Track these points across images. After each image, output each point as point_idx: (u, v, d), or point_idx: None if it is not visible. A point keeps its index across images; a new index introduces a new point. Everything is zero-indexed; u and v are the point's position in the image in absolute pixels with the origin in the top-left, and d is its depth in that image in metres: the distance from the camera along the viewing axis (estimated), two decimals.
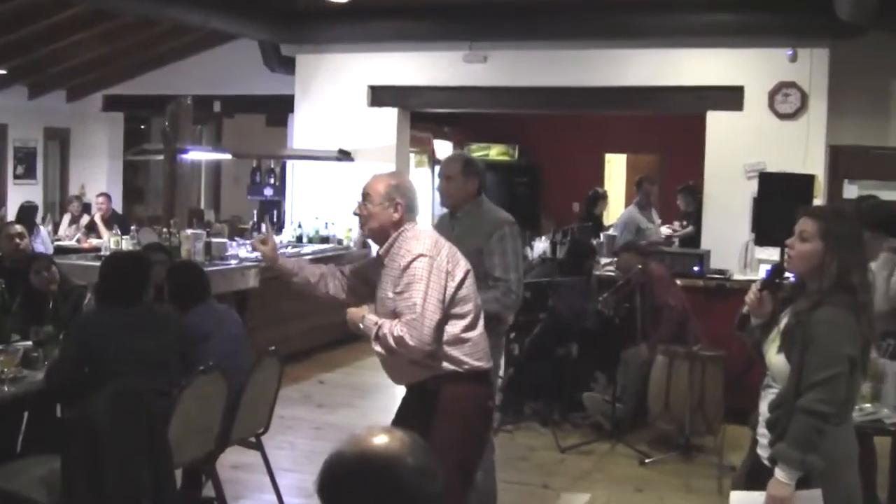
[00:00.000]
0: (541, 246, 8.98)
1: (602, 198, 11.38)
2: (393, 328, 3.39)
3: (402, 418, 3.64)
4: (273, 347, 4.93)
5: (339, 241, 9.95)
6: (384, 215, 3.55)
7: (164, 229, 7.91)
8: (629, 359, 6.73)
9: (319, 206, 10.25)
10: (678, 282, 7.04)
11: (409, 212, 3.59)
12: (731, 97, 8.86)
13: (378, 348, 3.47)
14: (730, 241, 8.65)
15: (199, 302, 4.86)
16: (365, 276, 3.86)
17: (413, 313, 3.37)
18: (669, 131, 12.48)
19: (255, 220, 10.82)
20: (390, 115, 10.19)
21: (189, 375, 4.24)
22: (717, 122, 8.97)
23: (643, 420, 6.62)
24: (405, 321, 3.37)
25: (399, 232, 3.55)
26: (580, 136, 13.49)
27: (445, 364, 3.50)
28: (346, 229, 9.98)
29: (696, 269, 7.66)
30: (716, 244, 8.48)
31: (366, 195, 3.63)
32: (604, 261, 8.39)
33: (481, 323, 3.61)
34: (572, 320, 7.01)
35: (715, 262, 7.98)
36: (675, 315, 6.61)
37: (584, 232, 9.30)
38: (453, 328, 3.49)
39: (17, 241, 5.91)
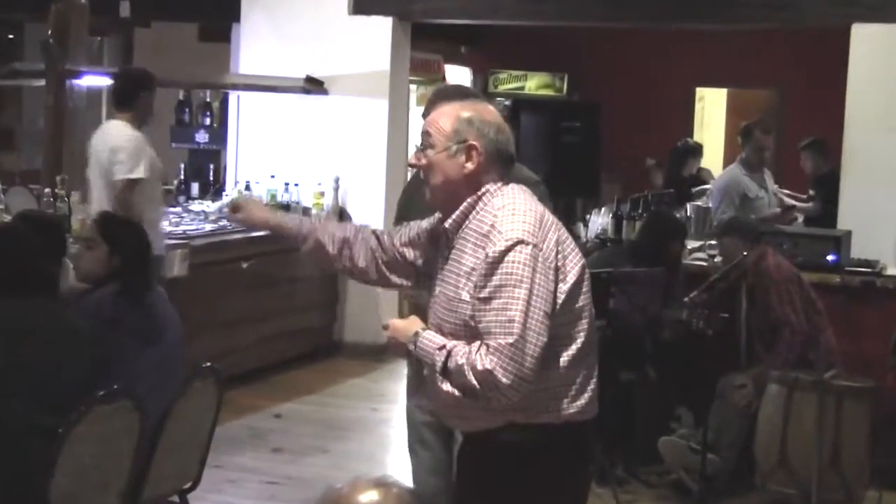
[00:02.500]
0: (599, 221, 8.97)
1: (694, 153, 11.38)
2: (474, 359, 3.21)
3: (463, 476, 3.58)
4: (208, 364, 4.93)
5: (305, 210, 9.94)
6: (451, 166, 3.40)
7: (46, 189, 7.89)
8: (728, 391, 6.72)
9: (277, 159, 10.24)
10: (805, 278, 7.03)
11: (495, 162, 3.40)
12: (891, 2, 8.79)
13: (447, 388, 3.29)
14: (880, 218, 8.60)
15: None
16: (424, 252, 3.64)
17: (509, 335, 3.18)
18: (793, 56, 12.42)
19: (182, 177, 10.81)
20: (382, 27, 10.15)
21: (83, 405, 4.23)
22: (867, 42, 8.90)
23: (747, 479, 6.62)
24: (496, 348, 3.18)
25: (479, 196, 3.39)
26: (660, 63, 13.45)
27: (531, 410, 3.32)
28: (316, 193, 9.96)
29: (830, 258, 7.64)
30: (860, 223, 8.45)
31: (424, 136, 3.46)
32: (691, 244, 8.37)
33: (594, 350, 3.46)
34: (645, 331, 6.99)
35: (858, 250, 7.97)
36: (800, 338, 6.62)
37: (665, 201, 9.29)
38: (556, 356, 3.31)
39: None
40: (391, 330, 3.44)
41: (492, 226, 3.29)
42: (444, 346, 3.29)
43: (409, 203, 4.90)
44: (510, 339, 3.17)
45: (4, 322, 4.35)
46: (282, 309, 9.26)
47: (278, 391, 8.66)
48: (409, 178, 4.94)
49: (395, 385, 8.78)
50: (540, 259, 3.24)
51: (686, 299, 6.61)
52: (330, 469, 6.93)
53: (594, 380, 3.46)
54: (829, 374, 6.34)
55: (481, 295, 3.23)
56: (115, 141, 7.13)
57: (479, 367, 3.18)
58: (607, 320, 6.91)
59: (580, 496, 3.58)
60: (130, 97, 7.36)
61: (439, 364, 3.28)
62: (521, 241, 3.23)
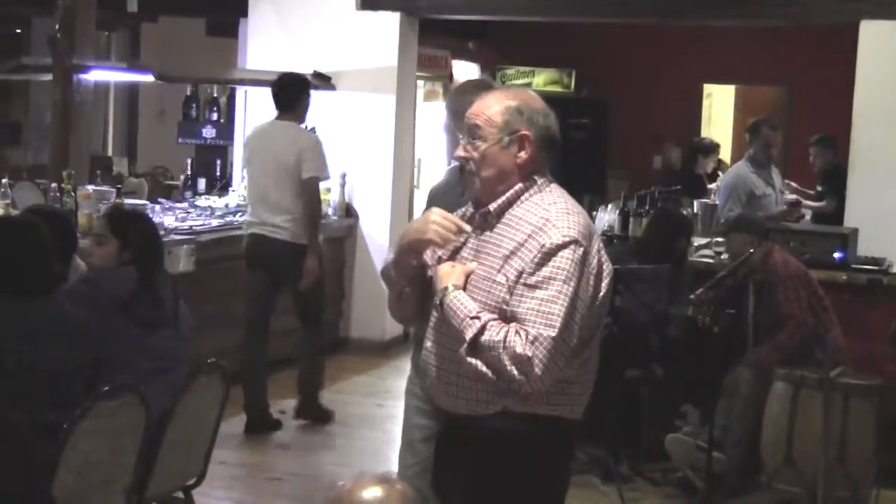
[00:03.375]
0: (606, 218, 8.97)
1: (711, 150, 11.38)
2: (513, 341, 3.22)
3: (442, 468, 3.59)
4: (214, 360, 4.93)
5: None
6: (504, 157, 3.42)
7: (53, 185, 7.90)
8: (735, 387, 6.71)
9: None
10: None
11: (545, 150, 3.44)
12: None
13: (471, 360, 3.28)
14: (888, 215, 8.59)
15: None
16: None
17: (551, 328, 3.22)
18: (802, 53, 12.39)
19: (189, 172, 10.81)
20: (389, 22, 10.15)
21: (87, 400, 4.24)
22: (875, 38, 8.89)
23: (753, 477, 6.61)
24: (537, 337, 3.22)
25: (526, 186, 3.43)
26: (668, 59, 13.43)
27: (531, 400, 3.33)
28: (323, 189, 9.94)
29: (836, 255, 7.64)
30: (868, 220, 8.44)
31: (473, 128, 3.46)
32: (698, 241, 8.36)
33: (596, 356, 3.52)
34: (651, 328, 6.99)
35: (865, 247, 7.95)
36: (803, 331, 6.64)
37: (672, 198, 9.28)
38: (576, 355, 3.35)
39: None
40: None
41: (546, 219, 3.33)
42: (478, 317, 3.28)
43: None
44: (552, 333, 3.21)
45: (7, 320, 4.35)
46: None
47: (282, 388, 8.62)
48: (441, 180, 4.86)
49: (401, 381, 8.66)
50: (587, 263, 3.31)
51: (692, 296, 6.61)
52: (335, 465, 6.94)
53: (592, 382, 3.50)
54: (836, 372, 6.33)
55: (528, 282, 3.27)
56: (303, 143, 7.63)
57: (519, 352, 3.20)
58: (613, 317, 6.92)
59: (558, 493, 3.58)
60: (296, 100, 7.78)
61: (470, 334, 3.27)
62: (575, 241, 3.28)
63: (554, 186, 3.45)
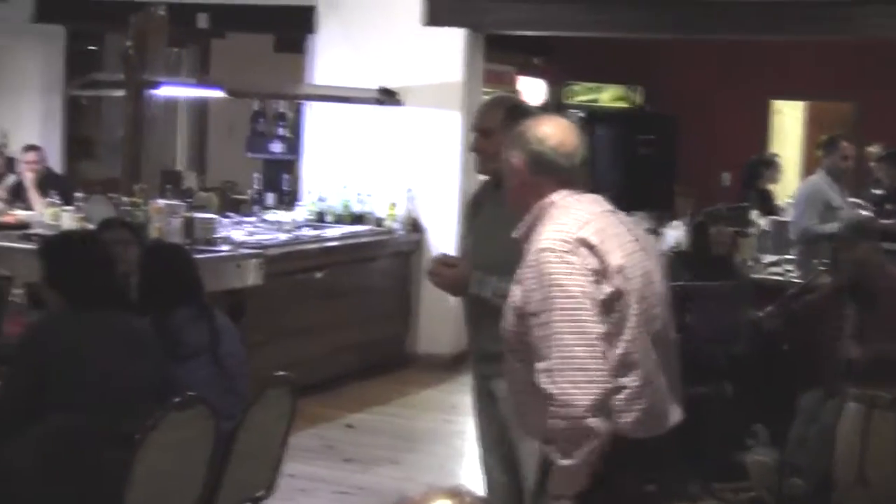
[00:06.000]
0: (674, 234, 8.90)
1: (769, 165, 11.27)
2: (539, 382, 3.34)
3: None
4: (282, 373, 4.94)
5: (379, 222, 9.96)
6: (512, 184, 3.62)
7: (125, 198, 7.96)
8: (813, 411, 6.60)
9: (350, 169, 10.26)
10: None
11: (546, 173, 3.57)
12: None
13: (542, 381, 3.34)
14: None
15: (183, 304, 4.91)
16: None
17: (559, 348, 3.31)
18: (871, 67, 12.26)
19: (258, 186, 10.87)
20: (455, 38, 10.15)
21: (159, 411, 4.25)
22: None
23: (825, 496, 6.51)
24: (548, 367, 3.33)
25: (543, 206, 3.54)
26: (735, 75, 13.34)
27: None
28: (390, 204, 9.97)
29: None
30: None
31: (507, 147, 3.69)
32: (767, 259, 8.28)
33: (648, 368, 3.48)
34: (718, 344, 6.93)
35: None
36: None
37: (738, 214, 9.20)
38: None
39: None
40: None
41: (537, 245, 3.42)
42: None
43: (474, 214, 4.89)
44: (563, 353, 3.26)
45: (81, 333, 4.38)
46: (354, 319, 9.27)
47: (350, 401, 8.65)
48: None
49: (468, 397, 8.71)
50: (571, 264, 3.31)
51: (761, 313, 6.54)
52: (401, 480, 6.91)
53: (646, 399, 3.42)
54: None
55: (527, 309, 3.37)
56: None
57: (549, 392, 3.25)
58: (682, 335, 6.85)
59: None
60: None
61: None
62: (548, 249, 3.34)
63: (571, 201, 3.51)
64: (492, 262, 4.22)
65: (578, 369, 3.22)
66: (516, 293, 3.44)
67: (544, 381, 3.25)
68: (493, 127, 4.58)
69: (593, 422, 3.21)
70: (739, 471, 6.79)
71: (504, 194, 3.83)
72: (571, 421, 3.21)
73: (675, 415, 3.55)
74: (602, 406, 3.24)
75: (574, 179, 3.54)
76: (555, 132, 3.57)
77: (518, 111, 4.59)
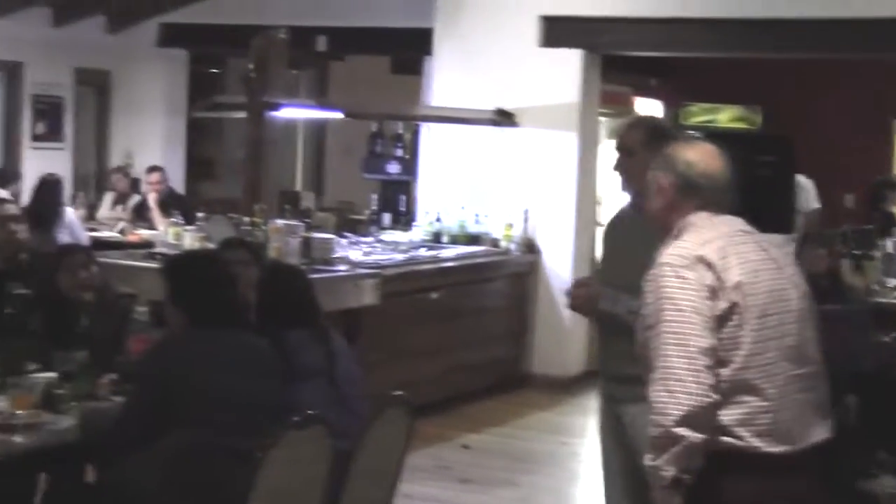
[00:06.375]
0: None
1: (893, 187, 11.06)
2: (651, 392, 3.41)
3: None
4: (399, 393, 4.93)
5: (495, 242, 9.94)
6: (656, 205, 3.69)
7: (245, 218, 8.04)
8: None
9: (466, 190, 10.26)
10: None
11: (691, 196, 3.63)
12: None
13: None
14: None
15: (299, 325, 4.95)
16: None
17: (668, 357, 3.36)
18: None
19: (376, 207, 10.91)
20: (572, 59, 10.11)
21: (277, 429, 4.28)
22: None
23: None
24: (659, 377, 3.40)
25: (681, 227, 3.60)
26: (858, 94, 13.13)
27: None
28: (506, 225, 9.95)
29: None
30: None
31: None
32: (891, 282, 8.12)
33: (769, 383, 3.48)
34: (845, 367, 6.80)
35: None
36: None
37: (863, 237, 9.03)
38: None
39: (12, 227, 6.06)
40: None
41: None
42: None
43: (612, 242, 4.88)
44: (668, 363, 3.33)
45: (202, 350, 4.43)
46: (470, 339, 9.26)
47: (466, 422, 8.63)
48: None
49: (585, 419, 8.67)
50: (686, 280, 3.39)
51: (887, 338, 6.41)
52: (518, 502, 6.89)
53: (774, 414, 3.43)
54: None
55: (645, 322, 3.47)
56: None
57: (653, 399, 3.33)
58: None
59: None
60: None
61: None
62: (667, 264, 3.43)
63: (706, 222, 3.57)
64: (626, 281, 4.19)
65: (676, 380, 3.30)
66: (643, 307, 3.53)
67: (650, 390, 3.36)
68: (634, 147, 4.61)
69: (683, 431, 3.28)
70: (867, 500, 6.64)
71: (643, 214, 3.91)
72: (663, 429, 3.30)
73: (818, 432, 3.58)
74: (696, 418, 3.30)
75: (715, 202, 3.63)
76: (702, 157, 3.69)
77: (659, 131, 4.62)
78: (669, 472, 3.30)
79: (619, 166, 4.69)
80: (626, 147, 4.66)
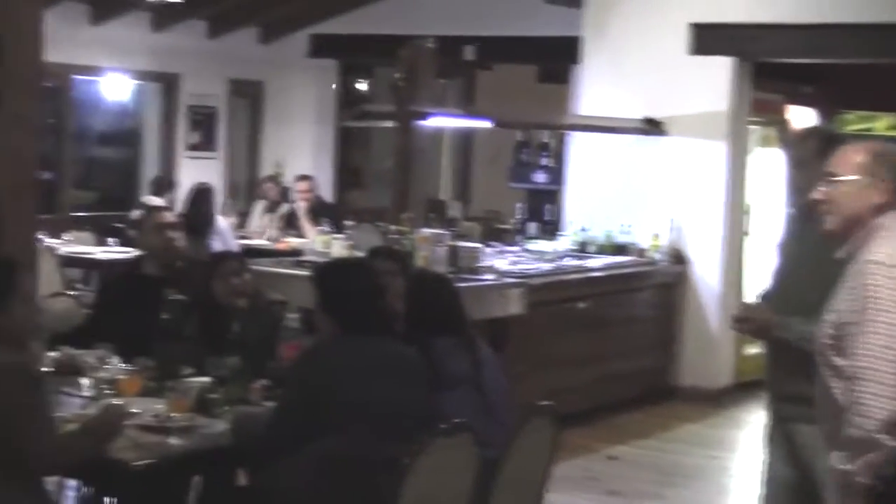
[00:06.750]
0: None
1: None
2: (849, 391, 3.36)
3: None
4: (546, 402, 4.92)
5: (641, 252, 9.87)
6: (860, 198, 3.57)
7: (392, 227, 8.11)
8: None
9: (613, 199, 10.20)
10: None
11: None
12: None
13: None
14: None
15: (446, 334, 4.97)
16: None
17: (865, 357, 3.31)
18: None
19: (522, 216, 10.91)
20: (722, 67, 9.99)
21: (425, 436, 4.30)
22: None
23: None
24: (852, 374, 3.35)
25: (875, 226, 3.54)
26: None
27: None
28: (653, 235, 9.86)
29: None
30: None
31: (831, 174, 3.66)
32: None
33: None
34: None
35: None
36: None
37: None
38: None
39: (170, 234, 6.19)
40: None
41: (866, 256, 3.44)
42: None
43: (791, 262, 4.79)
44: (864, 363, 3.29)
45: (352, 357, 4.47)
46: (616, 350, 9.20)
47: (611, 433, 8.58)
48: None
49: (735, 432, 8.58)
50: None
51: None
52: None
53: None
54: None
55: (844, 319, 3.40)
56: None
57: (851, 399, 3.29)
58: None
59: None
60: None
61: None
62: (876, 262, 3.37)
63: None
64: (797, 300, 4.14)
65: (879, 382, 3.25)
66: (836, 304, 3.48)
67: (850, 390, 3.30)
68: (807, 158, 4.53)
69: (883, 437, 3.23)
70: None
71: (813, 229, 3.86)
72: (864, 432, 3.24)
73: None
74: None
75: None
76: None
77: (833, 141, 4.50)
78: (863, 478, 3.25)
79: (792, 178, 4.63)
80: (797, 158, 4.60)
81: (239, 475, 4.95)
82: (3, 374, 3.94)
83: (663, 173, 10.02)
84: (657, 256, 9.83)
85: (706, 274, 9.85)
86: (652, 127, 10.05)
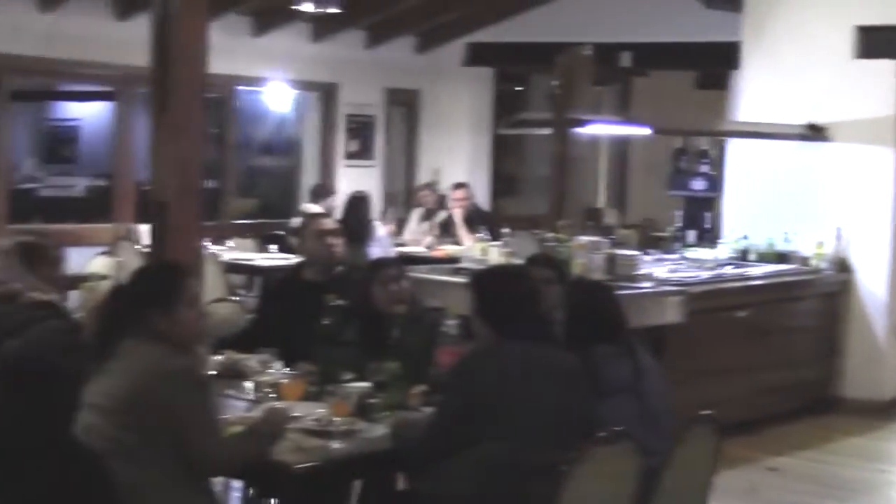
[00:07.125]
0: None
1: None
2: None
3: None
4: (707, 412, 4.86)
5: (805, 261, 9.69)
6: None
7: (549, 234, 8.11)
8: None
9: (773, 207, 10.05)
10: None
11: None
12: None
13: None
14: None
15: (605, 341, 4.95)
16: None
17: None
18: None
19: (679, 224, 10.80)
20: (887, 70, 9.76)
21: (584, 443, 4.28)
22: None
23: None
24: None
25: None
26: None
27: None
28: (817, 244, 9.67)
29: None
30: None
31: None
32: None
33: None
34: None
35: None
36: None
37: None
38: None
39: (330, 240, 6.26)
40: None
41: None
42: None
43: None
44: None
45: (510, 364, 4.47)
46: (777, 360, 9.05)
47: (772, 444, 8.45)
48: None
49: None
50: None
51: None
52: None
53: None
54: None
55: None
56: None
57: None
58: None
59: None
60: None
61: None
62: None
63: None
64: None
65: None
66: None
67: None
68: None
69: None
70: None
71: None
72: None
73: None
74: None
75: None
76: None
77: None
78: None
79: None
80: None
81: (398, 480, 5.00)
82: (172, 377, 4.04)
83: (827, 180, 9.83)
84: (821, 265, 9.64)
85: (872, 283, 9.63)
86: (814, 133, 9.87)
